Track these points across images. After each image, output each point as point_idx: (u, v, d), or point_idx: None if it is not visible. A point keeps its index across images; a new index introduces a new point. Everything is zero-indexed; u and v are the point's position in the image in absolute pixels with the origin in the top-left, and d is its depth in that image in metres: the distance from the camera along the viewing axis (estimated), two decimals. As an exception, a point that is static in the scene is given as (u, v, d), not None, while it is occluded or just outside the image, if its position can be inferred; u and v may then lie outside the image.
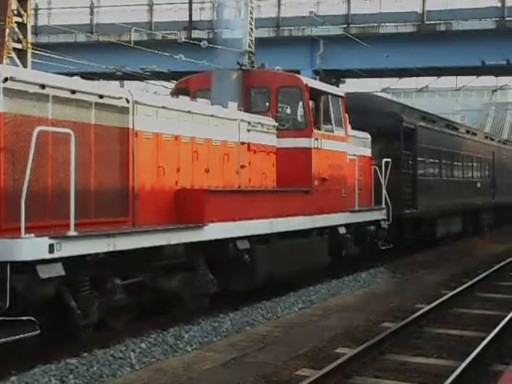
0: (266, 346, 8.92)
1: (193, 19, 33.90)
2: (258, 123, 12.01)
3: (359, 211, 15.24)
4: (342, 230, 14.27)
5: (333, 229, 13.95)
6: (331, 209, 13.74)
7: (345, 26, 31.87)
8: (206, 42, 26.31)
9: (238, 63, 13.49)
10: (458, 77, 41.70)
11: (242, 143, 11.53)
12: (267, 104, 13.25)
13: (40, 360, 7.69)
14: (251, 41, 25.28)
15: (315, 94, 13.50)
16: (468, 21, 30.89)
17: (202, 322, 10.04)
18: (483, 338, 8.99)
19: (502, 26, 30.51)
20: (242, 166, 11.47)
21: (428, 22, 31.46)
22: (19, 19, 16.65)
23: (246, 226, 10.80)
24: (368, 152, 16.86)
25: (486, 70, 32.97)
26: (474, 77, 37.65)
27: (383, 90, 38.30)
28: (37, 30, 33.28)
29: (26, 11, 16.86)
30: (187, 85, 13.68)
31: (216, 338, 9.42)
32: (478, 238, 24.88)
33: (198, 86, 13.39)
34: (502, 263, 17.43)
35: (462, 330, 10.12)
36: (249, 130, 11.70)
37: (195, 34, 31.65)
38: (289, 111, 13.64)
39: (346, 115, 14.72)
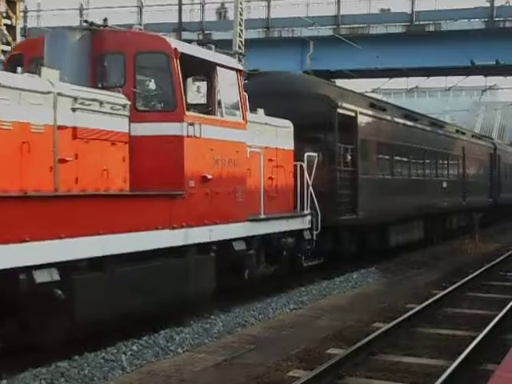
0: (258, 348, 8.91)
1: (183, 21, 33.96)
2: (93, 100, 8.65)
3: (266, 220, 11.81)
4: (240, 246, 10.96)
5: (227, 244, 10.66)
6: (220, 218, 10.28)
7: (335, 26, 31.99)
8: (195, 43, 26.33)
9: (85, 21, 10.24)
10: (448, 77, 41.91)
11: (62, 127, 8.16)
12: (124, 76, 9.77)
13: (30, 363, 7.66)
14: (241, 42, 25.42)
15: (194, 64, 10.14)
16: (457, 21, 31.09)
17: (193, 323, 10.03)
18: (474, 338, 9.02)
19: (490, 26, 30.73)
20: (62, 161, 8.13)
21: (417, 23, 31.63)
22: (8, 21, 16.66)
23: (48, 249, 7.32)
24: (288, 144, 13.32)
25: (476, 70, 33.19)
26: (464, 77, 37.86)
27: (373, 91, 38.42)
28: (26, 33, 33.23)
29: (14, 13, 16.86)
30: (21, 51, 10.34)
31: (207, 339, 9.41)
32: (468, 238, 24.90)
33: (33, 53, 9.89)
34: (492, 263, 17.50)
35: (453, 329, 10.13)
36: (74, 110, 8.35)
37: (185, 35, 31.70)
38: (153, 86, 10.07)
39: (246, 95, 11.26)
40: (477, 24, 30.98)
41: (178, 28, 33.30)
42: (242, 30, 25.33)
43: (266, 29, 33.11)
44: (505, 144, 45.72)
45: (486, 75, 39.84)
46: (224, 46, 24.36)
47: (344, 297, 13.13)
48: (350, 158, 16.23)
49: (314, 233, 13.38)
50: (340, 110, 15.80)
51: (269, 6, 33.71)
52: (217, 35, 32.40)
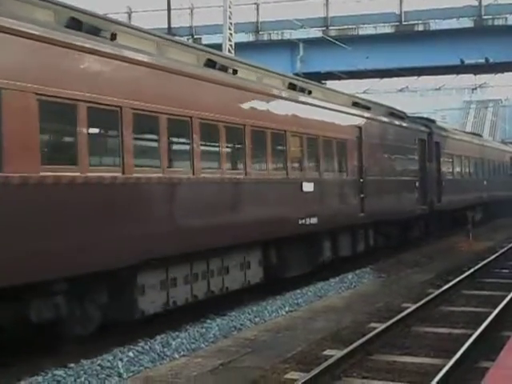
0: (254, 351, 8.91)
1: (172, 25, 33.93)
2: None
3: None
4: None
5: None
6: None
7: (324, 28, 32.06)
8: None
9: None
10: (438, 76, 42.02)
11: None
12: None
13: (27, 372, 7.64)
14: (231, 46, 25.41)
15: None
16: (446, 20, 31.20)
17: (190, 328, 10.02)
18: (470, 336, 9.04)
19: (479, 25, 30.83)
20: None
21: (406, 23, 31.73)
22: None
23: None
24: None
25: (465, 68, 33.26)
26: (454, 76, 38.00)
27: (364, 92, 38.50)
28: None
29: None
30: None
31: (203, 344, 9.41)
32: (462, 237, 24.91)
33: None
34: (486, 261, 17.54)
35: (448, 328, 10.16)
36: None
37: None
38: None
39: None
40: (466, 22, 31.07)
41: (168, 33, 33.25)
42: (231, 34, 25.34)
43: (256, 32, 33.15)
44: (451, 127, 32.68)
45: (475, 73, 39.91)
46: (214, 49, 24.40)
47: (340, 298, 13.14)
48: None
49: None
50: None
51: (257, 9, 33.75)
52: (207, 39, 32.39)
